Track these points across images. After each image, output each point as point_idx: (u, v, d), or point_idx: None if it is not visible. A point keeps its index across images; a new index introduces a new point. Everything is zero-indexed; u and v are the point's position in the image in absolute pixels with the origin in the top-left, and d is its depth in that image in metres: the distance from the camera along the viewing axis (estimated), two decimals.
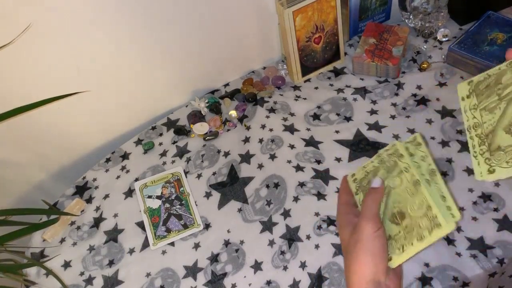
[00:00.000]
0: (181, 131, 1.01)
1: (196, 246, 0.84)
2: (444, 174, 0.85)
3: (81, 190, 0.96)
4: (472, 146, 0.49)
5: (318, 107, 1.01)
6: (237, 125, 1.01)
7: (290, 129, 0.98)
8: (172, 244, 0.85)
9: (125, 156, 1.00)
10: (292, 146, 0.95)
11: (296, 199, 0.87)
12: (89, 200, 0.94)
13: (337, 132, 0.96)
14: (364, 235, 0.50)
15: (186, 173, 0.95)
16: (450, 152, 0.88)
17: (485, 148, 0.48)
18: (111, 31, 0.86)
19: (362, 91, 1.01)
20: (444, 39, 1.05)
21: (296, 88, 1.06)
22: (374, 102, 0.99)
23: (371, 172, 0.57)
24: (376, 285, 0.48)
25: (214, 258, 0.82)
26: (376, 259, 0.49)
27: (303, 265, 0.79)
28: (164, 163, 0.97)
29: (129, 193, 0.94)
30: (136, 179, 0.95)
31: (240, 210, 0.87)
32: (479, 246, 0.75)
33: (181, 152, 0.98)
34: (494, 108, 0.49)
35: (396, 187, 0.54)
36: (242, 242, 0.83)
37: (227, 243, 0.84)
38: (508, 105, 0.48)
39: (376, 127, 0.95)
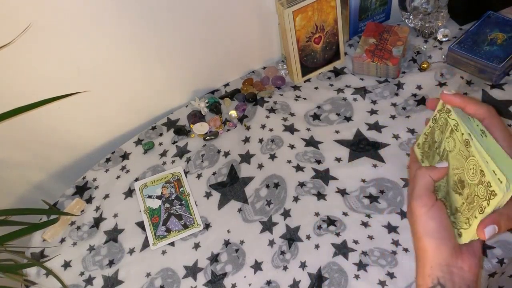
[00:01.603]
0: (181, 131, 1.01)
1: (196, 246, 0.84)
2: None
3: (81, 190, 0.96)
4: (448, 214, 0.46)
5: (318, 107, 1.01)
6: (237, 125, 1.01)
7: (290, 129, 0.98)
8: (172, 244, 0.85)
9: (125, 156, 1.00)
10: (292, 146, 0.95)
11: (296, 199, 0.87)
12: (89, 200, 0.94)
13: (337, 132, 0.95)
14: (416, 216, 0.45)
15: (186, 173, 0.95)
16: None
17: (449, 212, 0.46)
18: (111, 31, 0.86)
19: (362, 91, 1.01)
20: (444, 39, 1.05)
21: (296, 88, 1.06)
22: (374, 102, 0.99)
23: (429, 134, 0.51)
24: (442, 268, 0.43)
25: (214, 258, 0.82)
26: (436, 241, 0.43)
27: (303, 265, 0.79)
28: (164, 163, 0.97)
29: (129, 193, 0.94)
30: (136, 179, 0.95)
31: (240, 210, 0.87)
32: None
33: (181, 152, 0.98)
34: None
35: (451, 150, 0.47)
36: (242, 242, 0.83)
37: (227, 243, 0.84)
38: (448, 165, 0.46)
39: (376, 127, 0.95)
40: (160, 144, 1.01)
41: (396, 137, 0.92)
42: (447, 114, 0.47)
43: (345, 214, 0.83)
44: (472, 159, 0.43)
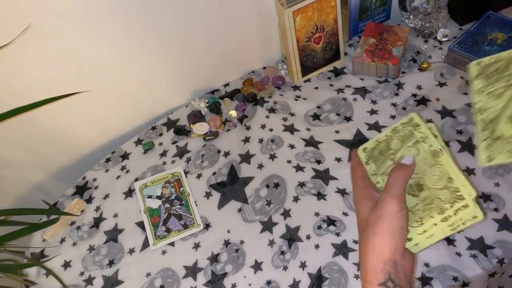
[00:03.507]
0: (181, 131, 1.01)
1: (196, 246, 0.84)
2: None
3: (81, 190, 0.96)
4: (477, 131, 0.48)
5: (318, 107, 1.01)
6: (237, 125, 1.01)
7: (290, 129, 0.98)
8: (172, 244, 0.85)
9: (125, 156, 1.00)
10: (292, 146, 0.95)
11: (296, 199, 0.87)
12: (89, 200, 0.94)
13: (337, 132, 0.96)
14: (386, 213, 0.48)
15: (186, 173, 0.95)
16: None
17: (487, 133, 0.47)
18: (111, 32, 0.86)
19: (362, 91, 1.01)
20: (444, 39, 1.05)
21: (296, 88, 1.06)
22: (374, 102, 0.99)
23: (383, 141, 0.55)
24: (393, 264, 0.47)
25: (214, 258, 0.82)
26: (396, 239, 0.47)
27: (303, 265, 0.79)
28: (164, 163, 0.97)
29: (129, 193, 0.94)
30: (136, 179, 0.95)
31: (240, 210, 0.87)
32: (479, 246, 0.75)
33: (181, 152, 0.98)
34: (501, 95, 0.48)
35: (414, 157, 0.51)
36: (242, 242, 0.83)
37: (227, 243, 0.84)
38: None
39: (376, 127, 0.95)
40: (160, 144, 1.01)
41: None
42: (414, 127, 0.52)
43: (345, 214, 0.83)
44: (439, 167, 0.48)
